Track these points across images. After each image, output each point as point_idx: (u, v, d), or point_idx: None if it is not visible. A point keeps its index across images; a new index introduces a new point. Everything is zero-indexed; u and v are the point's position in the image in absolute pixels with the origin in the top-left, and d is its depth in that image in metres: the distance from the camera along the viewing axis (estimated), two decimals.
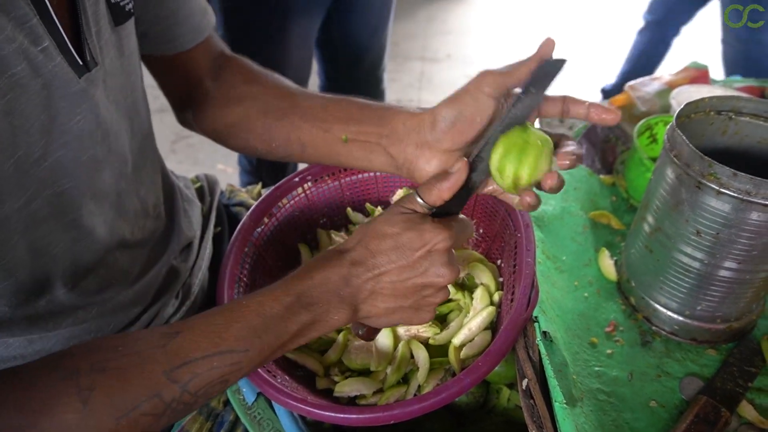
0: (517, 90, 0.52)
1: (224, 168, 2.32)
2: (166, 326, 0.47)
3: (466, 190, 0.53)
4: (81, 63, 0.48)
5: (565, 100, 0.52)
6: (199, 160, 2.37)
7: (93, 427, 0.41)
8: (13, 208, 0.46)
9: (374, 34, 1.56)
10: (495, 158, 0.50)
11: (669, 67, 1.12)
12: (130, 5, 0.55)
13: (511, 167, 0.49)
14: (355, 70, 1.61)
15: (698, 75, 1.05)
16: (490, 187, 0.58)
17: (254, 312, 0.48)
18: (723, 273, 0.61)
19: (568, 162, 0.51)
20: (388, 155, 0.60)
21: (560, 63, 0.49)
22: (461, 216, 0.55)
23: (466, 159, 0.52)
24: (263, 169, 1.61)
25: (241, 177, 1.70)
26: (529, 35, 3.40)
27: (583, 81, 2.76)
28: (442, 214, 0.52)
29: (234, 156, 2.42)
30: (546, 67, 0.49)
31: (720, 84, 1.10)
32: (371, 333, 0.59)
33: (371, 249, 0.51)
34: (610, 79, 2.55)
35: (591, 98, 0.92)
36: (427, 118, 0.56)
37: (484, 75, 0.52)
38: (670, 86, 1.00)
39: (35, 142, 0.46)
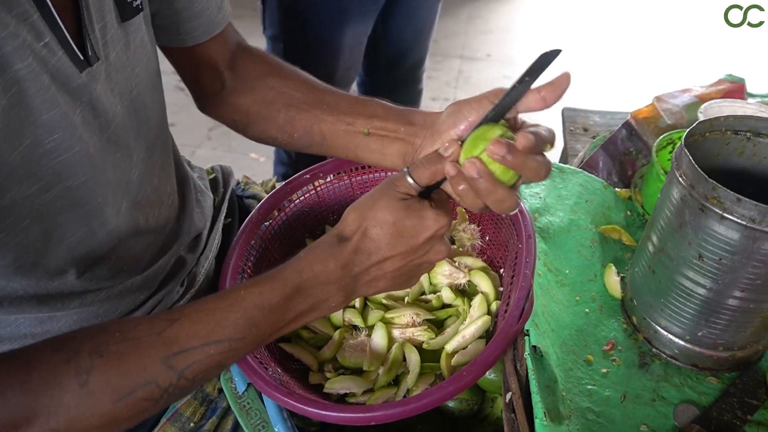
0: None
1: (257, 157, 2.36)
2: (165, 312, 0.49)
3: None
4: (82, 58, 0.50)
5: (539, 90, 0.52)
6: (233, 148, 2.42)
7: (91, 408, 0.43)
8: (22, 194, 0.48)
9: (419, 36, 1.57)
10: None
11: (702, 78, 1.07)
12: (139, 1, 0.57)
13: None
14: (396, 69, 1.62)
15: (733, 89, 1.00)
16: None
17: (252, 303, 0.50)
18: (726, 300, 0.58)
19: (492, 151, 0.49)
20: (403, 143, 0.65)
21: (555, 54, 0.51)
22: (441, 189, 0.57)
23: (457, 141, 0.54)
24: (302, 162, 1.59)
25: (276, 167, 1.70)
26: (575, 38, 3.31)
27: (636, 86, 2.64)
28: (429, 190, 0.56)
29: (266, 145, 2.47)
30: (542, 58, 0.51)
31: (758, 99, 1.05)
32: None
33: (373, 237, 0.52)
34: (666, 83, 2.43)
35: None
36: (438, 116, 0.62)
37: (496, 90, 0.57)
38: (701, 99, 0.96)
39: (44, 134, 0.48)
